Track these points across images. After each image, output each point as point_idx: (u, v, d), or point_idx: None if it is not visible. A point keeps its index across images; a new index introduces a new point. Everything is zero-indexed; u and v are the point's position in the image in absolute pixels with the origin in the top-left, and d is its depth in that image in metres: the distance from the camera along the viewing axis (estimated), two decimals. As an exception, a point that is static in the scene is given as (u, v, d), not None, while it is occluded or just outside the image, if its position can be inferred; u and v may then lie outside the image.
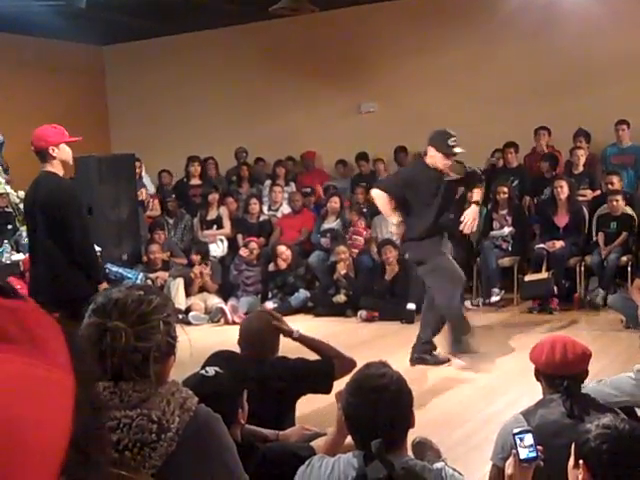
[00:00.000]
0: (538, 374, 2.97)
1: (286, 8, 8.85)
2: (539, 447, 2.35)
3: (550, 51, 9.67)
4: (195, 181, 10.78)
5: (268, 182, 10.82)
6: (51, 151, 4.57)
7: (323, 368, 3.57)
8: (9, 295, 0.54)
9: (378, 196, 6.14)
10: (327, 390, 3.49)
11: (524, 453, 2.34)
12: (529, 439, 2.35)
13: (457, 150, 5.86)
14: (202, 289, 8.94)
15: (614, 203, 8.18)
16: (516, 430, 2.41)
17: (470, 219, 6.10)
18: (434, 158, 5.89)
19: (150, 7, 10.13)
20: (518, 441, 2.35)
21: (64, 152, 4.63)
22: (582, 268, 8.19)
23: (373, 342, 6.99)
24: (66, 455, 0.48)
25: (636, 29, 9.37)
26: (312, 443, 2.95)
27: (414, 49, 10.46)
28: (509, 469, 2.35)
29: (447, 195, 6.01)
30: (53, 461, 0.47)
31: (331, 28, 10.84)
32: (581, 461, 2.13)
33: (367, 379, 2.25)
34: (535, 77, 9.76)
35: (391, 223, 6.38)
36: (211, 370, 2.67)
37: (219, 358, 2.99)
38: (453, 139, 5.84)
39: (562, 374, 2.85)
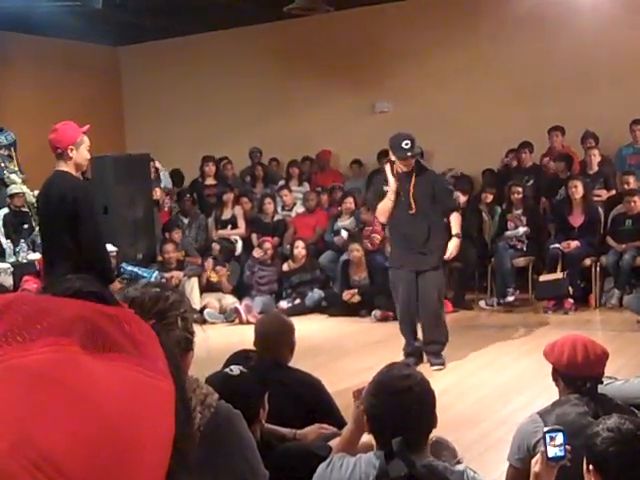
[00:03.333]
0: (557, 374, 2.95)
1: (301, 8, 8.86)
2: (567, 447, 2.34)
3: (565, 50, 9.63)
4: (210, 181, 10.81)
5: (282, 182, 10.84)
6: (69, 151, 4.58)
7: (339, 416, 3.55)
8: (107, 302, 0.56)
9: (379, 212, 6.21)
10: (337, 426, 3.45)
11: (552, 452, 2.33)
12: (560, 438, 2.34)
13: (409, 153, 5.86)
14: (217, 289, 8.97)
15: (631, 204, 8.15)
16: (547, 428, 2.40)
17: (454, 251, 6.07)
18: (396, 162, 5.94)
19: (165, 7, 10.17)
20: (548, 439, 2.35)
21: (82, 155, 4.64)
22: (597, 268, 8.15)
23: (388, 342, 6.98)
24: (171, 457, 0.50)
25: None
26: (330, 443, 2.95)
27: (428, 49, 10.45)
28: (536, 467, 2.35)
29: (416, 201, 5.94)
30: (163, 463, 0.49)
31: (345, 28, 10.84)
32: (591, 466, 2.13)
33: (391, 381, 2.24)
34: (550, 77, 9.73)
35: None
36: (236, 369, 2.68)
37: (242, 357, 3.00)
38: (406, 142, 5.84)
39: (584, 375, 2.83)
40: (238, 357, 3.08)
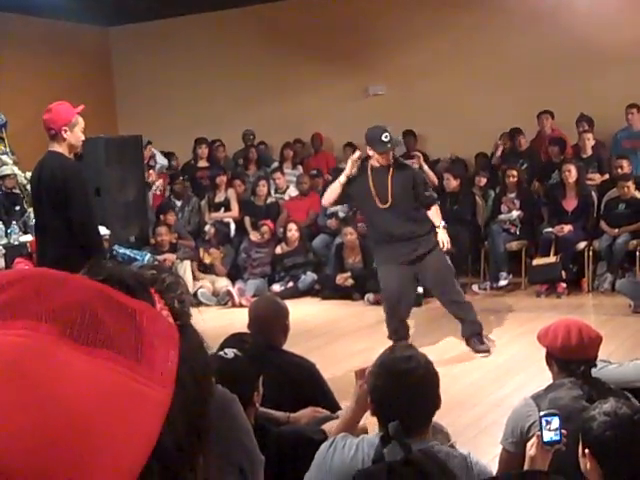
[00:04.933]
0: (550, 358, 2.95)
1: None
2: (563, 431, 2.35)
3: (559, 35, 9.59)
4: (203, 163, 10.76)
5: (275, 165, 10.80)
6: (63, 132, 4.53)
7: (332, 400, 3.55)
8: (136, 294, 0.53)
9: (326, 195, 6.20)
10: (330, 409, 3.44)
11: (548, 436, 2.34)
12: (556, 422, 2.35)
13: (390, 145, 5.81)
14: (211, 271, 8.95)
15: (625, 189, 8.14)
16: (543, 412, 2.40)
17: (446, 242, 5.99)
18: (374, 157, 5.87)
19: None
20: (544, 423, 2.35)
21: (75, 136, 4.58)
22: (590, 252, 8.16)
23: (380, 325, 6.97)
24: (144, 471, 0.46)
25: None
26: (324, 426, 2.95)
27: (422, 32, 10.39)
28: (531, 450, 2.35)
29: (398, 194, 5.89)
30: (127, 474, 0.45)
31: (339, 10, 10.77)
32: (587, 450, 2.13)
33: (394, 362, 2.24)
34: (542, 61, 9.69)
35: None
36: (230, 352, 2.67)
37: (236, 341, 2.99)
38: (385, 134, 5.78)
39: (578, 358, 2.83)
40: (233, 340, 3.06)
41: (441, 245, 5.95)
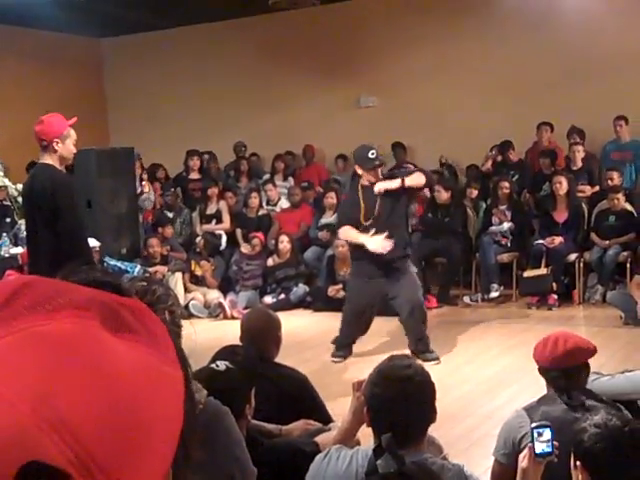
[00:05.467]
0: (541, 371, 2.97)
1: (286, 1, 8.82)
2: (555, 443, 2.35)
3: (550, 46, 9.66)
4: (194, 175, 10.75)
5: (266, 176, 10.80)
6: (55, 144, 4.52)
7: (325, 412, 3.54)
8: (121, 293, 0.56)
9: (344, 232, 6.21)
10: (322, 422, 3.44)
11: (540, 447, 2.34)
12: (547, 434, 2.35)
13: (377, 162, 5.89)
14: (202, 284, 8.93)
15: (615, 201, 8.18)
16: (535, 424, 2.40)
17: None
18: (363, 175, 5.93)
19: (149, 0, 10.10)
20: (536, 435, 2.35)
21: (67, 149, 4.57)
22: (581, 264, 8.19)
23: (371, 337, 6.97)
24: (177, 449, 0.50)
25: (637, 25, 9.36)
26: (316, 438, 2.94)
27: (414, 43, 10.45)
28: (523, 462, 2.35)
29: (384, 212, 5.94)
30: (169, 452, 0.49)
31: (330, 21, 10.82)
32: (578, 462, 2.13)
33: (392, 370, 2.25)
34: (535, 72, 9.76)
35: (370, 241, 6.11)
36: (222, 364, 2.66)
37: (228, 353, 2.99)
38: (372, 151, 5.87)
39: (562, 366, 2.84)
40: (225, 352, 3.06)
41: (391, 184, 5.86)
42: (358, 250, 6.14)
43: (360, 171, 5.94)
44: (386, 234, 5.85)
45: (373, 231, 5.88)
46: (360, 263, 6.14)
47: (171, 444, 0.49)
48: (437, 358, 6.13)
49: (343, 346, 6.35)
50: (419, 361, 5.79)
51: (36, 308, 0.50)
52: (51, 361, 0.47)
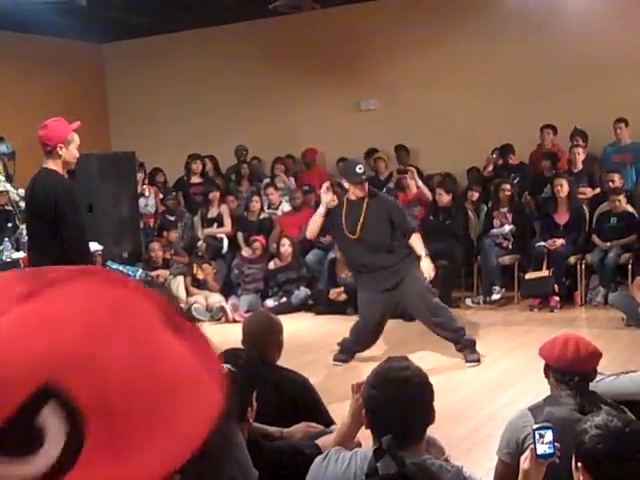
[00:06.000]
0: (548, 370, 2.97)
1: (287, 5, 8.83)
2: (557, 444, 2.35)
3: (551, 48, 9.66)
4: (196, 179, 10.77)
5: (267, 180, 10.81)
6: (59, 149, 4.53)
7: (326, 415, 3.55)
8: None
9: (308, 229, 6.31)
10: (324, 424, 3.45)
11: (541, 449, 2.34)
12: (549, 436, 2.35)
13: (364, 177, 5.97)
14: (204, 287, 8.94)
15: (616, 203, 8.19)
16: (537, 425, 2.40)
17: (430, 270, 5.99)
18: (350, 189, 6.00)
19: (150, 4, 10.12)
20: (537, 436, 2.35)
21: (71, 154, 4.58)
22: (582, 266, 8.19)
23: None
24: (192, 456, 0.51)
25: (637, 27, 9.37)
26: (317, 441, 2.95)
27: (415, 46, 10.46)
28: (525, 464, 2.35)
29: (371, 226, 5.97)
30: (185, 447, 0.50)
31: (331, 25, 10.83)
32: (579, 463, 2.13)
33: (390, 371, 2.26)
34: (536, 74, 9.76)
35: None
36: (224, 367, 2.66)
37: (230, 356, 2.99)
38: (359, 166, 5.97)
39: (573, 371, 2.84)
40: (227, 356, 3.06)
41: (425, 275, 5.95)
42: (349, 263, 6.22)
43: (347, 185, 6.03)
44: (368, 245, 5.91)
45: (360, 246, 5.92)
46: (362, 277, 6.15)
47: (192, 442, 0.50)
48: (477, 360, 6.07)
49: (347, 351, 6.35)
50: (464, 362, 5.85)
51: (109, 279, 0.55)
52: (107, 314, 0.51)
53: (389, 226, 5.99)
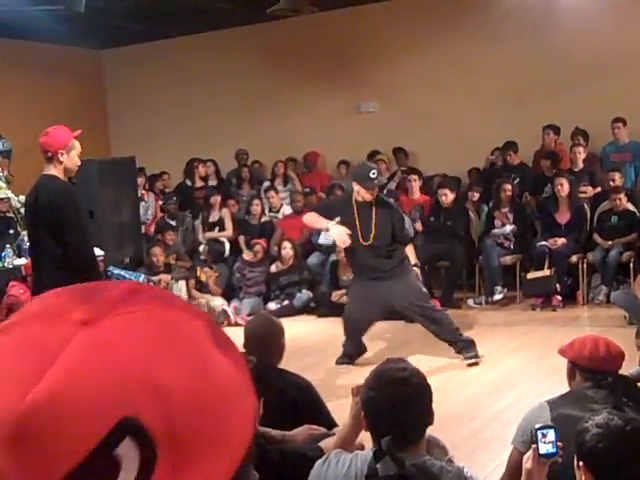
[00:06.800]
0: (574, 370, 2.98)
1: (285, 9, 8.84)
2: (559, 444, 2.35)
3: (549, 49, 9.66)
4: (200, 183, 10.81)
5: (267, 184, 10.82)
6: (59, 155, 4.54)
7: (329, 418, 3.55)
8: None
9: (309, 217, 6.33)
10: (326, 427, 3.45)
11: (544, 448, 2.33)
12: (551, 435, 2.34)
13: (377, 182, 6.03)
14: (206, 291, 8.95)
15: (617, 201, 8.19)
16: (539, 425, 2.40)
17: (420, 279, 6.21)
18: (359, 192, 6.02)
19: (148, 11, 10.13)
20: (540, 436, 2.34)
21: (72, 160, 4.59)
22: (584, 265, 8.19)
23: (376, 342, 6.98)
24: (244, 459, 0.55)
25: (634, 26, 9.37)
26: (320, 443, 2.94)
27: (413, 48, 10.47)
28: (527, 463, 2.34)
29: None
30: (238, 454, 0.54)
31: (330, 28, 10.84)
32: (581, 462, 2.13)
33: (388, 372, 2.26)
34: (535, 75, 9.76)
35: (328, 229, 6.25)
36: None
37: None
38: (373, 171, 6.00)
39: (605, 369, 2.86)
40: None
41: (414, 282, 6.09)
42: (355, 266, 6.28)
43: (357, 187, 6.04)
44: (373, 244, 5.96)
45: (368, 251, 5.97)
46: (361, 277, 6.22)
47: (240, 451, 0.54)
48: (475, 356, 6.09)
49: (348, 354, 6.40)
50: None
51: (158, 300, 0.57)
52: (164, 338, 0.53)
53: (392, 231, 6.06)
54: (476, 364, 6.09)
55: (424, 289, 6.31)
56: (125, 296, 0.56)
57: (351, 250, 6.16)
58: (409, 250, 6.20)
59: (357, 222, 6.00)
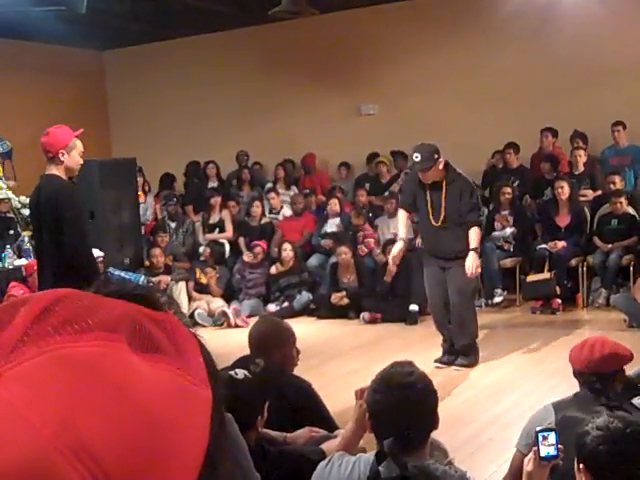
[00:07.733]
0: (574, 373, 2.98)
1: (286, 11, 8.84)
2: (560, 447, 2.35)
3: (549, 53, 9.68)
4: (212, 183, 10.90)
5: (269, 185, 10.84)
6: (60, 155, 4.55)
7: (329, 420, 3.55)
8: (155, 306, 0.56)
9: (400, 216, 6.43)
10: (327, 429, 3.45)
11: (545, 451, 2.34)
12: (552, 438, 2.35)
13: (417, 166, 6.08)
14: (206, 292, 8.95)
15: (617, 205, 8.19)
16: (539, 428, 2.40)
17: (472, 267, 5.94)
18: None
19: (149, 12, 10.15)
20: (541, 438, 2.35)
21: (73, 160, 4.59)
22: (584, 268, 8.19)
23: (376, 344, 6.99)
24: (201, 468, 0.49)
25: (633, 31, 9.38)
26: (322, 446, 2.94)
27: (414, 51, 10.48)
28: (528, 466, 2.35)
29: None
30: (192, 470, 0.49)
31: (331, 31, 10.85)
32: (581, 465, 2.14)
33: (395, 376, 2.26)
34: (534, 79, 9.77)
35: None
36: (240, 373, 2.66)
37: (246, 362, 2.98)
38: (416, 154, 6.09)
39: (592, 372, 2.86)
40: (244, 361, 3.05)
41: (466, 269, 5.90)
42: (426, 247, 6.36)
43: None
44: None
45: (443, 232, 5.97)
46: (428, 259, 6.21)
47: (195, 465, 0.49)
48: (466, 366, 6.07)
49: (445, 351, 6.26)
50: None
51: (65, 328, 0.49)
52: (75, 386, 0.46)
53: (460, 210, 5.98)
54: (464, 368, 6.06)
55: (474, 283, 6.29)
56: (27, 328, 0.48)
57: (422, 233, 6.30)
58: (473, 233, 5.96)
59: (429, 205, 6.04)
